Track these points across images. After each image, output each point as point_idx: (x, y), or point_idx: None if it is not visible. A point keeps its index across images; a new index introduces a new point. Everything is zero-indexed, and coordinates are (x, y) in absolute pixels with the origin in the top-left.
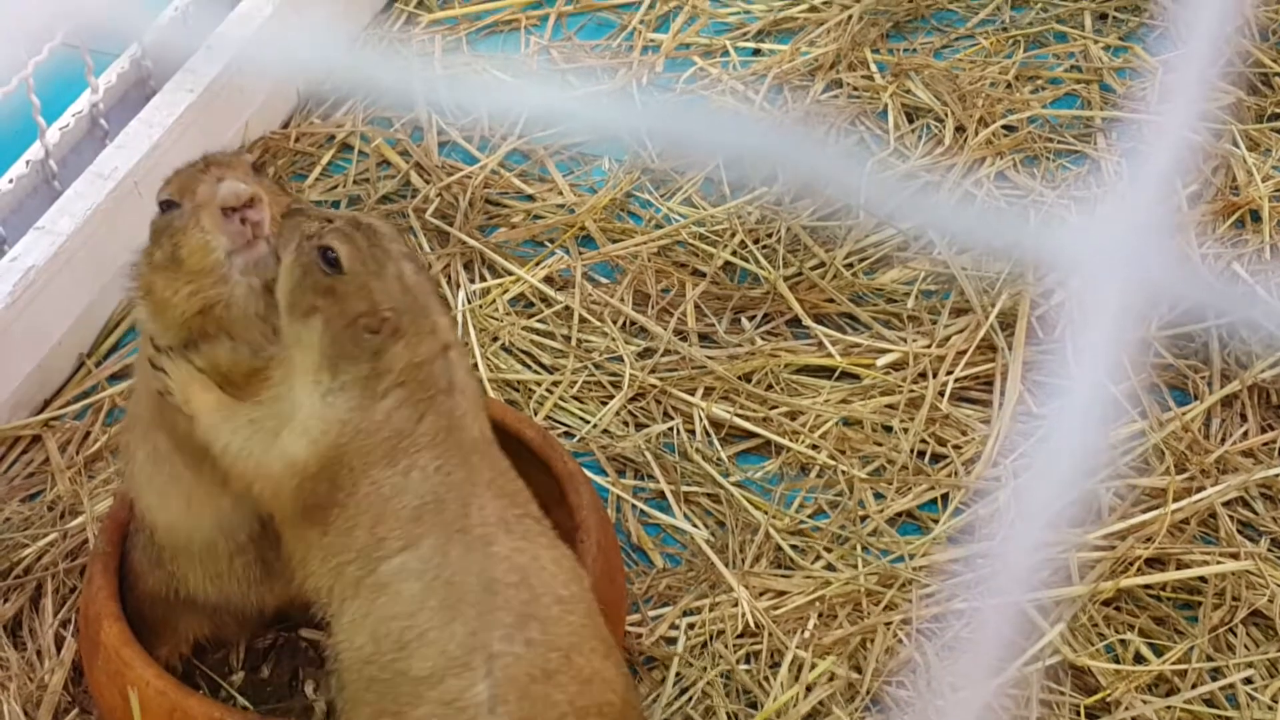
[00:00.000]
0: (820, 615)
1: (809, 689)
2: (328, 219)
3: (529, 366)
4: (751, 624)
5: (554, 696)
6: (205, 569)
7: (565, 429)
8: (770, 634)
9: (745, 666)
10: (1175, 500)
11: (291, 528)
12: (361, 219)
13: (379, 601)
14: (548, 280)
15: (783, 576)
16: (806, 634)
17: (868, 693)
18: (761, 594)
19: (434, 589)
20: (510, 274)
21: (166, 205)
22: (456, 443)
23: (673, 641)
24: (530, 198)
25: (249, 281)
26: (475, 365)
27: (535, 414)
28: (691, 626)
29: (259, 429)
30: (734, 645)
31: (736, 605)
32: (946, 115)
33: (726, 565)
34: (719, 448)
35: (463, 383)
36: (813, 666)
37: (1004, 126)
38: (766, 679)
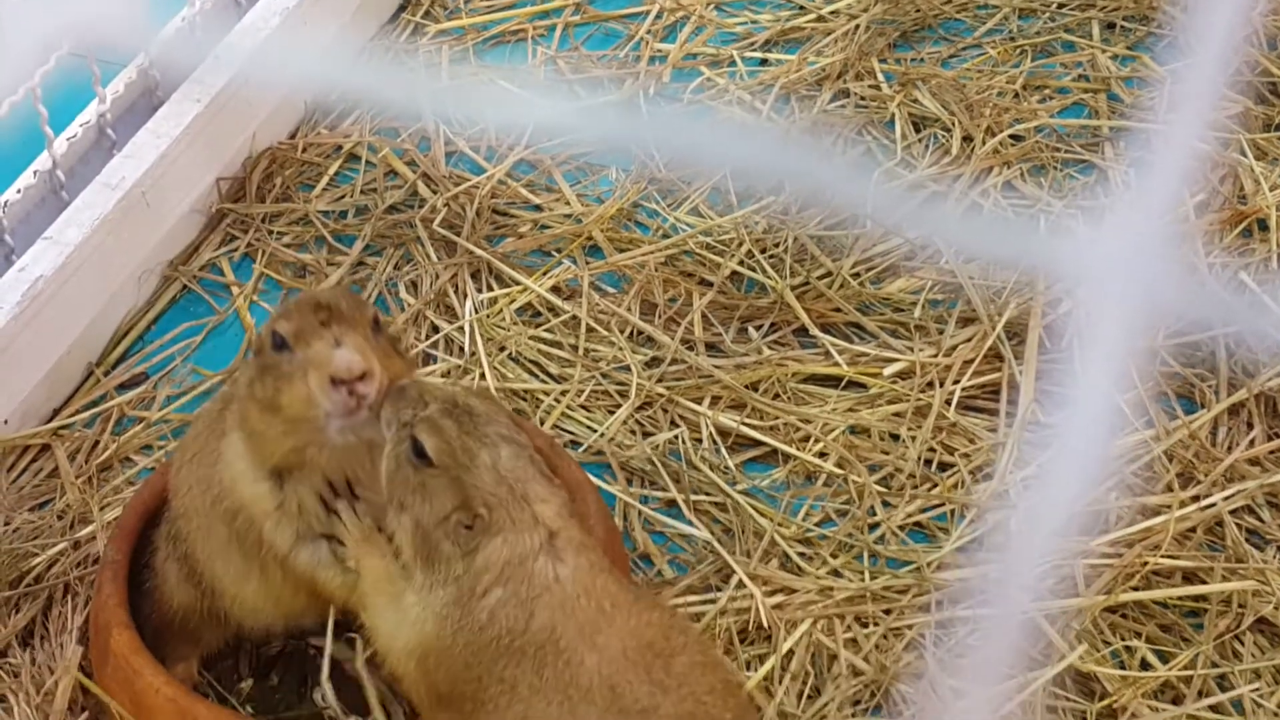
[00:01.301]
0: (827, 620)
1: (817, 692)
2: (424, 401)
3: (536, 376)
4: (763, 622)
5: None
6: (252, 605)
7: (572, 438)
8: (777, 635)
9: (750, 673)
10: (1182, 508)
11: (428, 712)
12: (460, 399)
13: None
14: (555, 290)
15: (792, 576)
16: (814, 638)
17: (874, 698)
18: (770, 594)
19: None
20: (517, 284)
21: (279, 344)
22: (579, 628)
23: None
24: (537, 208)
25: (345, 438)
26: (482, 375)
27: (543, 423)
28: (696, 618)
29: (394, 609)
30: (741, 647)
31: (746, 603)
32: (954, 125)
33: (735, 569)
34: (726, 456)
35: (573, 564)
36: (820, 671)
37: (1011, 136)
38: (773, 681)
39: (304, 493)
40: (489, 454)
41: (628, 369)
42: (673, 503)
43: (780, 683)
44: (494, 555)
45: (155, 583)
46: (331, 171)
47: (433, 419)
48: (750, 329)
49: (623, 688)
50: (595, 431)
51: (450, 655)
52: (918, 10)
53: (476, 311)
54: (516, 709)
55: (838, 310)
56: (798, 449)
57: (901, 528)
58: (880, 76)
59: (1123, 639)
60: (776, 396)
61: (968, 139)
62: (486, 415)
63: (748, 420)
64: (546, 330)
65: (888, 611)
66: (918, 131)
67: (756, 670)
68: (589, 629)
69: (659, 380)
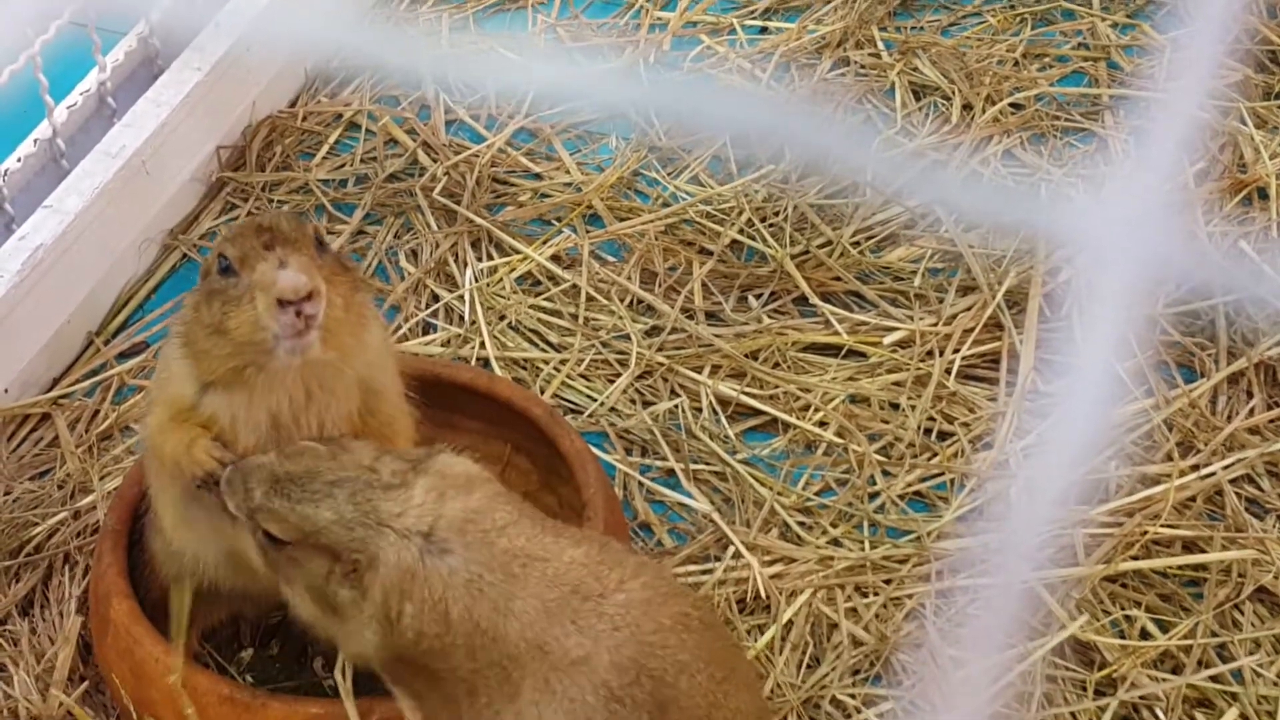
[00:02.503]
0: (827, 590)
1: (817, 662)
2: (249, 489)
3: (536, 345)
4: (761, 593)
5: None
6: (226, 566)
7: (572, 407)
8: (777, 604)
9: (750, 643)
10: (1181, 477)
11: (393, 677)
12: (279, 469)
13: None
14: (555, 259)
15: (792, 545)
16: (814, 608)
17: (874, 667)
18: (769, 563)
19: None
20: (517, 252)
21: (225, 268)
22: (494, 605)
23: None
24: (537, 176)
25: (290, 360)
26: (482, 344)
27: (542, 392)
28: (695, 588)
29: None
30: (740, 615)
31: (745, 573)
32: (954, 93)
33: (732, 539)
34: (726, 425)
35: (461, 547)
36: (820, 641)
37: (1011, 104)
38: (773, 651)
39: (224, 406)
40: (328, 509)
41: (627, 338)
42: (672, 472)
43: (780, 653)
44: (386, 579)
45: (145, 558)
46: (332, 140)
47: (265, 507)
48: (750, 298)
49: (550, 645)
50: (595, 400)
51: (399, 663)
52: None
53: (476, 280)
54: (463, 688)
55: (838, 279)
56: (798, 418)
57: (901, 497)
58: (880, 45)
59: (1122, 608)
60: (776, 365)
61: (968, 107)
62: (308, 472)
63: (748, 389)
64: (546, 299)
65: (888, 581)
66: (918, 100)
67: (757, 640)
68: (502, 600)
69: (659, 349)
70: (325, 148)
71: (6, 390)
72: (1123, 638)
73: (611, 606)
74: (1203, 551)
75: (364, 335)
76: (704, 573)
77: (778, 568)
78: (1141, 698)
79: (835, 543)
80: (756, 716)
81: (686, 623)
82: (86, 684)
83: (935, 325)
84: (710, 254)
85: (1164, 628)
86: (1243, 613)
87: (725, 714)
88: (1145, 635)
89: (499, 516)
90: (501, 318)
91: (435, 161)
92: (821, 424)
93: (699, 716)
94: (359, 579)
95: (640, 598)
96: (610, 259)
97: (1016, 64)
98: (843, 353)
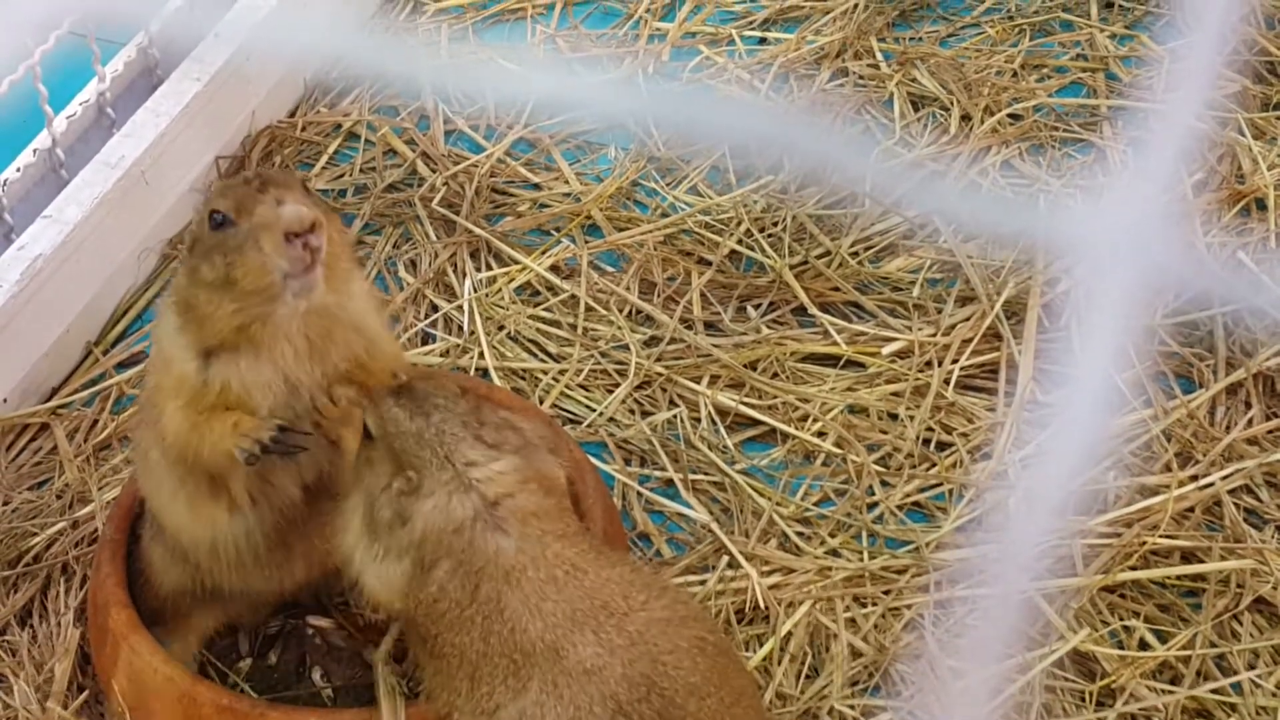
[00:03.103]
0: (826, 600)
1: (815, 672)
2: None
3: (535, 355)
4: (760, 603)
5: None
6: (227, 560)
7: (571, 417)
8: (776, 615)
9: (748, 653)
10: (1180, 488)
11: (410, 642)
12: (420, 389)
13: None
14: (554, 269)
15: (791, 556)
16: (812, 619)
17: (873, 678)
18: (768, 574)
19: None
20: (516, 262)
21: (220, 222)
22: (524, 597)
23: None
24: (536, 186)
25: (296, 304)
26: (481, 354)
27: (541, 402)
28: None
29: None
30: (739, 626)
31: (744, 583)
32: (952, 104)
33: (731, 549)
34: (724, 435)
35: (518, 535)
36: (819, 652)
37: (1009, 115)
38: (771, 661)
39: (231, 371)
40: (416, 421)
41: (626, 348)
42: (671, 482)
43: (779, 663)
44: (429, 522)
45: (141, 567)
46: (331, 150)
47: (379, 403)
48: (749, 308)
49: (566, 649)
50: (594, 411)
51: (412, 620)
52: None
53: (475, 290)
54: (464, 670)
55: (836, 289)
56: (796, 428)
57: (900, 507)
58: (879, 55)
59: (1121, 619)
60: (775, 376)
61: (966, 118)
62: (426, 392)
63: (746, 399)
64: (545, 309)
65: (886, 591)
66: (916, 110)
67: (755, 651)
68: (535, 597)
69: (658, 359)
70: (324, 158)
71: (5, 400)
72: (1121, 648)
73: (633, 624)
74: (1201, 562)
75: (354, 278)
76: (702, 583)
77: (776, 578)
78: (1141, 709)
79: (834, 553)
80: None
81: (702, 646)
82: (86, 694)
83: (934, 335)
84: (709, 264)
85: (1163, 638)
86: (1241, 623)
87: None
88: (1144, 646)
89: (562, 526)
90: (500, 328)
91: (434, 172)
92: (820, 434)
93: None
94: (407, 500)
95: (661, 617)
96: (609, 269)
97: (1015, 75)
98: (841, 363)
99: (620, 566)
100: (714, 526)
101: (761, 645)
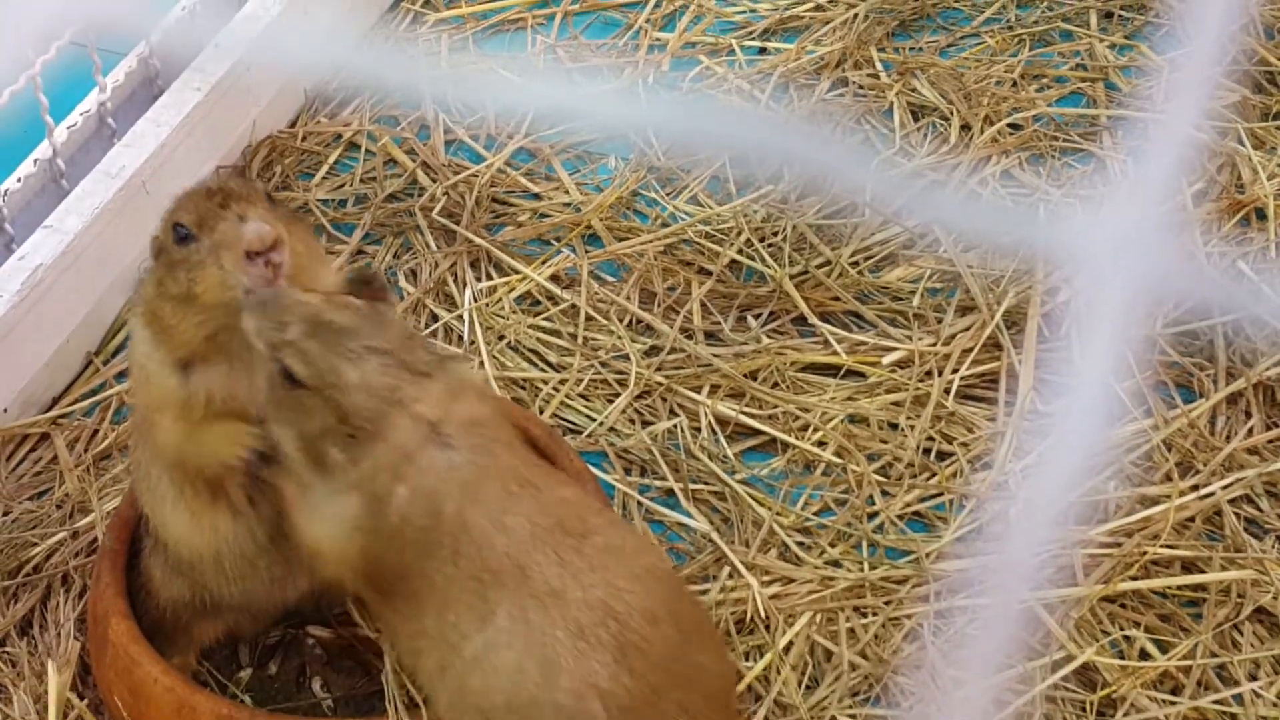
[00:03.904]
0: (826, 610)
1: (816, 683)
2: (285, 322)
3: (535, 365)
4: (760, 613)
5: (667, 708)
6: (228, 572)
7: (571, 427)
8: (776, 625)
9: (748, 664)
10: (1180, 498)
11: (367, 597)
12: (323, 314)
13: (475, 677)
14: (554, 279)
15: (791, 565)
16: (813, 628)
17: (873, 689)
18: (768, 583)
19: (529, 653)
20: (516, 272)
21: (183, 236)
22: (486, 511)
23: None
24: (536, 196)
25: None
26: (482, 364)
27: (542, 412)
28: None
29: (314, 521)
30: (739, 636)
31: (744, 593)
32: (952, 113)
33: (731, 558)
34: (725, 445)
35: (467, 447)
36: (819, 662)
37: (1009, 125)
38: (771, 672)
39: (212, 380)
40: (356, 370)
41: (627, 358)
42: (671, 492)
43: (779, 673)
44: (382, 458)
45: (143, 581)
46: (331, 160)
47: (297, 344)
48: (749, 318)
49: (532, 569)
50: (594, 420)
51: (375, 558)
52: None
53: (476, 300)
54: (435, 600)
55: (836, 299)
56: (796, 438)
57: (900, 517)
58: (879, 65)
59: (1122, 629)
60: (775, 385)
61: (966, 127)
62: (350, 328)
63: (746, 409)
64: (545, 319)
65: (887, 601)
66: (916, 120)
67: (756, 661)
68: (496, 510)
69: (658, 369)
70: (325, 168)
71: (5, 410)
72: (1122, 658)
73: (590, 547)
74: (1202, 572)
75: (324, 277)
76: (704, 593)
77: (776, 588)
78: None
79: (834, 563)
80: (719, 675)
81: (656, 574)
82: (86, 703)
83: (934, 345)
84: (709, 274)
85: (1164, 648)
86: (1242, 633)
87: (684, 667)
88: (1145, 656)
89: (505, 434)
90: (501, 338)
91: (434, 181)
92: (820, 444)
93: (658, 664)
94: (357, 446)
95: (616, 544)
96: (609, 279)
97: (1015, 84)
98: (841, 373)
99: (570, 488)
100: (714, 536)
101: (762, 655)
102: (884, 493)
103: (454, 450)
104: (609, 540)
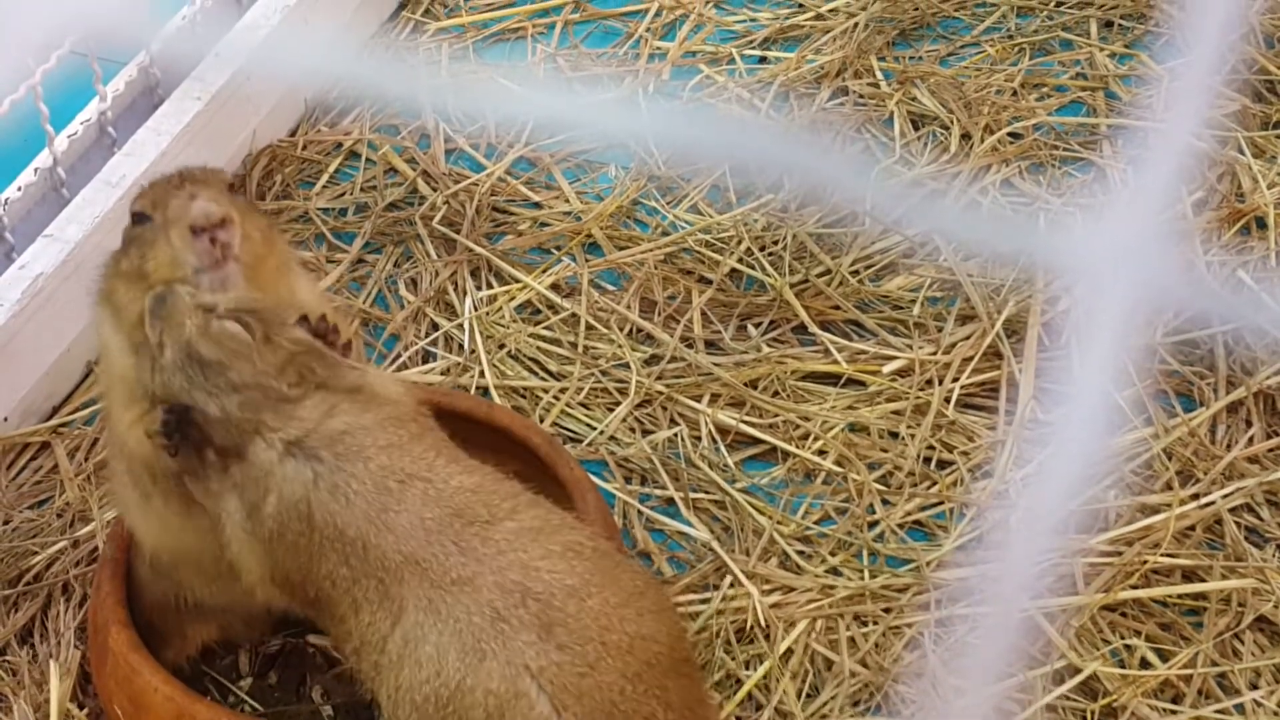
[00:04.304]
0: (827, 619)
1: (816, 691)
2: (162, 345)
3: (536, 373)
4: (761, 621)
5: (606, 679)
6: (207, 572)
7: (572, 436)
8: (777, 634)
9: (748, 672)
10: (1181, 506)
11: (299, 609)
12: (195, 347)
13: (403, 674)
14: (554, 287)
15: (791, 574)
16: (813, 636)
17: (874, 697)
18: (769, 592)
19: (446, 642)
20: (517, 281)
21: (138, 217)
22: (366, 515)
23: None
24: (537, 205)
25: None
26: (482, 373)
27: (542, 421)
28: (694, 617)
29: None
30: (740, 644)
31: (744, 602)
32: (952, 122)
33: (732, 567)
34: (725, 454)
35: (331, 455)
36: (819, 671)
37: (1009, 134)
38: (771, 680)
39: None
40: (217, 407)
41: (627, 366)
42: (672, 501)
43: (779, 682)
44: (246, 471)
45: (135, 585)
46: (332, 169)
47: (166, 372)
48: (749, 326)
49: (429, 561)
50: (594, 429)
51: (275, 565)
52: (916, 8)
53: (476, 309)
54: (345, 600)
55: (837, 308)
56: (797, 447)
57: (901, 526)
58: (879, 74)
59: (1122, 638)
60: (776, 394)
61: (966, 136)
62: (218, 364)
63: (747, 418)
64: (546, 328)
65: (887, 610)
66: (916, 129)
67: (756, 670)
68: (375, 511)
69: (658, 378)
70: (325, 177)
71: (6, 419)
72: (1123, 667)
73: (499, 533)
74: (1203, 581)
75: (287, 275)
76: (704, 601)
77: (777, 596)
78: None
79: (835, 572)
80: (668, 642)
81: (578, 550)
82: (86, 712)
83: (934, 354)
84: (709, 283)
85: (1164, 657)
86: (1243, 642)
87: (619, 637)
88: (1145, 665)
89: (385, 437)
90: (501, 346)
91: (435, 190)
92: (821, 453)
93: (589, 637)
94: (224, 465)
95: (530, 526)
96: (610, 288)
97: (1015, 93)
98: (842, 381)
99: (478, 475)
100: (715, 545)
101: (762, 664)
102: (884, 501)
103: (319, 461)
104: (522, 523)
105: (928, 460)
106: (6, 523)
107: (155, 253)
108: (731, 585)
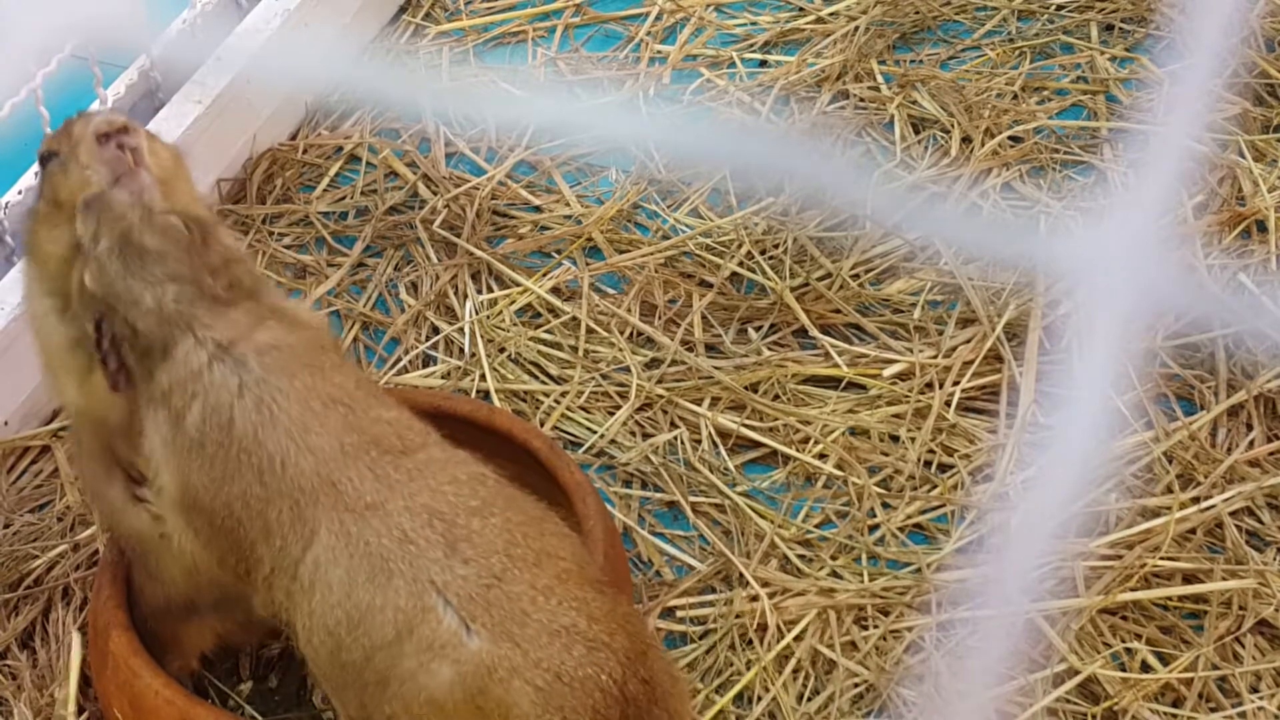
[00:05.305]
0: (827, 623)
1: (817, 693)
2: (98, 237)
3: (536, 377)
4: (769, 624)
5: (514, 589)
6: (182, 564)
7: (572, 439)
8: (778, 637)
9: (751, 675)
10: (1181, 510)
11: (219, 564)
12: (135, 235)
13: (315, 599)
14: (555, 291)
15: (792, 578)
16: (814, 639)
17: (875, 700)
18: (769, 596)
19: (356, 565)
20: (517, 285)
21: (46, 158)
22: (286, 431)
23: (684, 640)
24: (537, 209)
25: (132, 210)
26: (483, 376)
27: (542, 424)
28: (699, 621)
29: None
30: (741, 647)
31: (746, 605)
32: (953, 126)
33: (735, 571)
34: (726, 457)
35: (258, 365)
36: (820, 672)
37: (1010, 137)
38: (777, 684)
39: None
40: (151, 296)
41: (627, 370)
42: (672, 504)
43: (780, 684)
44: (174, 373)
45: (134, 592)
46: (332, 173)
47: (101, 259)
48: (750, 330)
49: (344, 484)
50: (595, 433)
51: (189, 485)
52: (917, 12)
53: (477, 313)
54: (257, 524)
55: (837, 311)
56: (797, 450)
57: (901, 529)
58: (879, 78)
59: (1123, 641)
60: (776, 398)
61: (967, 140)
62: (157, 252)
63: (747, 421)
64: (546, 331)
65: (888, 613)
66: (917, 133)
67: (756, 674)
68: (297, 429)
69: (659, 381)
70: (326, 180)
71: (7, 423)
72: (1123, 670)
73: (411, 462)
74: (1203, 584)
75: (194, 193)
76: (707, 604)
77: (778, 600)
78: None
79: (835, 575)
80: (574, 560)
81: (482, 480)
82: (87, 716)
83: (935, 358)
84: (710, 286)
85: (1165, 660)
86: (1244, 645)
87: (524, 551)
88: (1146, 668)
89: (309, 358)
90: (501, 350)
91: (435, 194)
92: (821, 456)
93: (496, 550)
94: (149, 361)
95: (439, 457)
96: (610, 291)
97: (1015, 97)
98: (842, 385)
99: (395, 410)
100: (722, 548)
101: (763, 667)
102: (885, 505)
103: (246, 370)
104: (431, 455)
105: (928, 464)
106: (7, 526)
107: (67, 176)
108: (733, 588)
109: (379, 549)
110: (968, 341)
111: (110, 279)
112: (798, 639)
